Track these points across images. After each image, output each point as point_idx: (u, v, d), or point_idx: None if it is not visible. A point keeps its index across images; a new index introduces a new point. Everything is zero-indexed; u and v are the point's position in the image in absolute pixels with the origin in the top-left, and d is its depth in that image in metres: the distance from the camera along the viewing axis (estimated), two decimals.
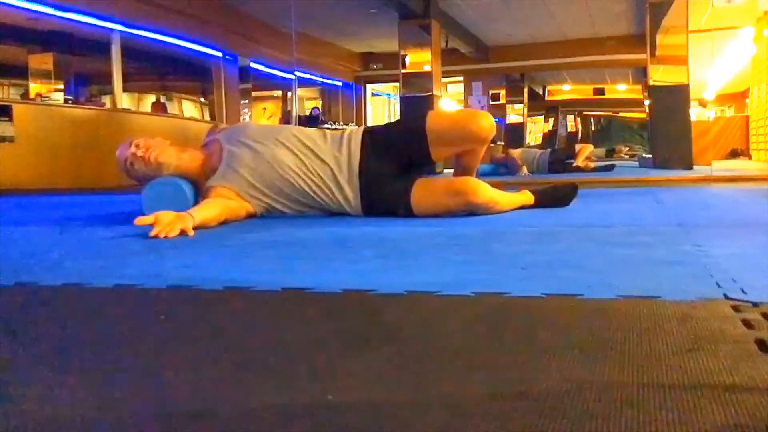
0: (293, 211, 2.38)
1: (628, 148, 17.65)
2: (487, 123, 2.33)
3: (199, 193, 2.36)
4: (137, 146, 2.36)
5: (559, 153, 7.31)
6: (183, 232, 1.88)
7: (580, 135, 20.21)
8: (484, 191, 2.26)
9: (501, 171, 6.86)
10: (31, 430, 0.56)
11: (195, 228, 1.94)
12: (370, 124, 12.96)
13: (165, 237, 1.82)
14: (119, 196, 4.01)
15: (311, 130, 2.43)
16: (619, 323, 0.84)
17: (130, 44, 7.50)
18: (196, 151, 2.44)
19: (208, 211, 2.12)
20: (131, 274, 1.29)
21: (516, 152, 7.29)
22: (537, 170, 6.92)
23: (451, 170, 2.65)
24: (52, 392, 0.64)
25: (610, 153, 15.77)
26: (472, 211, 2.27)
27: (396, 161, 2.37)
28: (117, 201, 3.71)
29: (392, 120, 2.67)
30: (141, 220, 1.88)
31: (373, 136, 2.40)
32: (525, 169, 6.92)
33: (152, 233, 1.83)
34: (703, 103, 13.01)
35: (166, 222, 1.88)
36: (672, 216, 2.37)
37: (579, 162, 7.05)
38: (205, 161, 2.39)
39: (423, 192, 2.28)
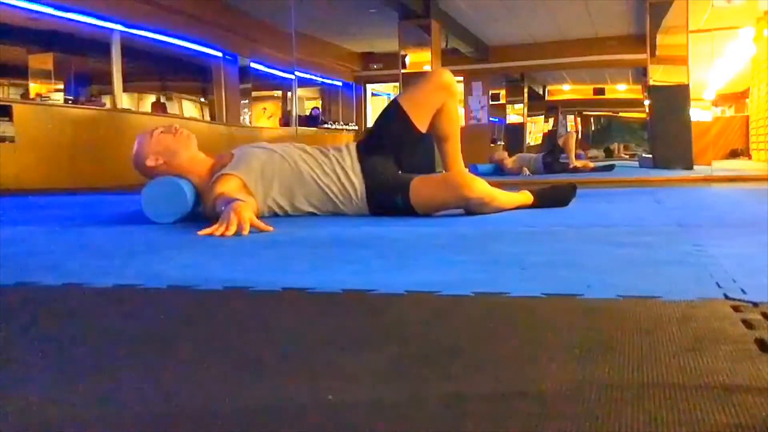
0: (297, 211, 2.39)
1: (627, 149, 17.65)
2: (446, 74, 2.56)
3: (202, 194, 2.35)
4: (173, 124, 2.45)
5: (554, 153, 7.28)
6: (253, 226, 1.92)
7: (580, 135, 20.21)
8: (479, 186, 2.29)
9: (500, 172, 6.86)
10: (31, 430, 0.56)
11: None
12: (370, 124, 12.97)
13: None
14: (119, 196, 4.01)
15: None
16: (619, 323, 0.84)
17: (130, 44, 7.51)
18: (209, 158, 2.45)
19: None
20: (131, 274, 1.29)
21: (509, 160, 7.20)
22: (535, 174, 6.90)
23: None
24: (52, 392, 0.64)
25: (609, 153, 15.78)
26: (468, 206, 2.29)
27: (393, 153, 2.49)
28: (117, 201, 3.71)
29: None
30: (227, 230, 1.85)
31: (366, 140, 2.54)
32: (526, 170, 6.90)
33: (230, 232, 1.83)
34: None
35: (246, 219, 1.89)
36: (672, 216, 2.37)
37: (573, 160, 7.03)
38: (215, 164, 2.40)
39: (421, 186, 2.33)
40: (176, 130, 2.40)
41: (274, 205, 2.38)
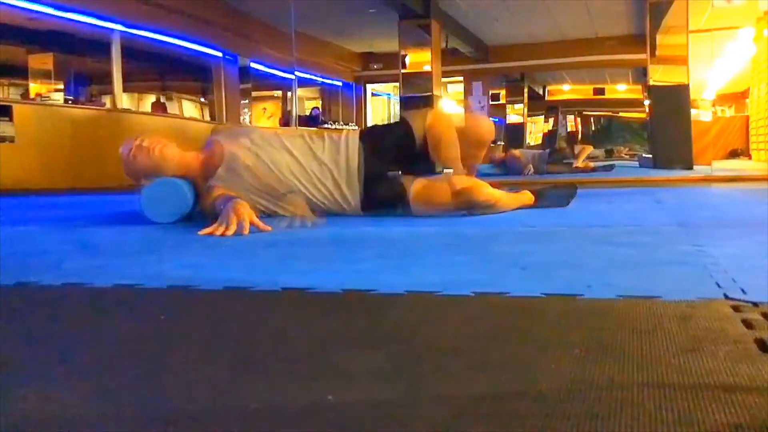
0: (291, 214, 2.38)
1: (627, 149, 17.67)
2: (488, 127, 2.46)
3: (199, 193, 2.35)
4: (143, 139, 2.37)
5: (558, 154, 7.29)
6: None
7: (580, 135, 20.24)
8: (486, 189, 2.30)
9: (500, 171, 6.86)
10: (31, 430, 0.56)
11: None
12: (370, 124, 12.97)
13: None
14: (119, 196, 4.01)
15: (310, 134, 2.46)
16: (619, 323, 0.84)
17: (130, 44, 7.50)
18: (197, 153, 2.44)
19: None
20: (131, 274, 1.29)
21: (517, 152, 7.27)
22: (535, 170, 6.91)
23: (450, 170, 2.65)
24: (52, 392, 0.64)
25: (610, 153, 15.80)
26: (473, 209, 2.28)
27: (395, 161, 2.40)
28: (117, 201, 3.71)
29: (392, 121, 2.67)
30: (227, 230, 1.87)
31: (371, 138, 2.44)
32: (531, 168, 6.88)
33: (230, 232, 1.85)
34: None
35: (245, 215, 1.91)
36: (672, 216, 2.37)
37: (579, 163, 7.06)
38: (205, 161, 2.38)
39: (422, 192, 2.30)
40: (146, 149, 2.33)
41: (268, 211, 2.36)
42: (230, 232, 1.82)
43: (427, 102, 8.28)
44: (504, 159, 7.14)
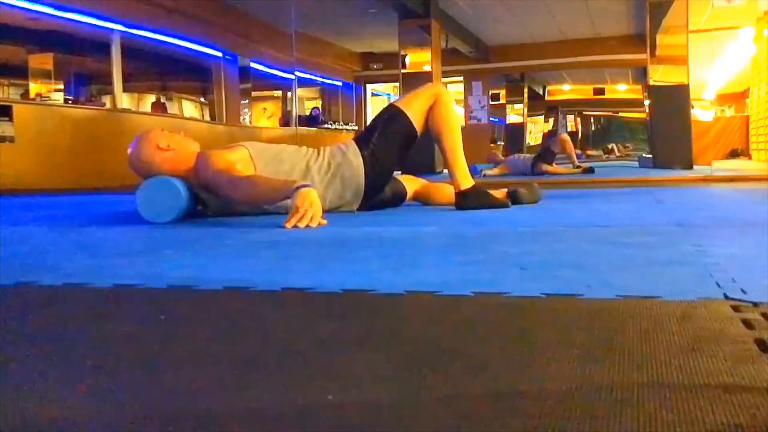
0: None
1: (625, 148, 17.65)
2: (437, 86, 2.64)
3: (198, 193, 2.35)
4: (147, 137, 2.39)
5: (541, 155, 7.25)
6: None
7: (580, 135, 20.24)
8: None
9: (503, 171, 6.88)
10: (31, 430, 0.56)
11: None
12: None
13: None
14: (119, 196, 4.01)
15: (314, 154, 2.49)
16: (619, 323, 0.84)
17: (130, 44, 7.50)
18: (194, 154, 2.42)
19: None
20: (131, 274, 1.29)
21: (528, 156, 7.25)
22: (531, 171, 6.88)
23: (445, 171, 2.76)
24: (52, 392, 0.64)
25: (608, 152, 15.79)
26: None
27: (398, 160, 2.56)
28: (117, 201, 3.71)
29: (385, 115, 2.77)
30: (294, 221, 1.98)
31: (373, 151, 2.49)
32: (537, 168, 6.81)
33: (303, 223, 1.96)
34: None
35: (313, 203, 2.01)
36: (672, 216, 2.37)
37: (575, 164, 7.02)
38: (198, 162, 2.38)
39: (422, 192, 2.71)
40: (145, 148, 2.36)
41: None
42: (313, 224, 1.96)
43: None
44: (506, 159, 7.12)
